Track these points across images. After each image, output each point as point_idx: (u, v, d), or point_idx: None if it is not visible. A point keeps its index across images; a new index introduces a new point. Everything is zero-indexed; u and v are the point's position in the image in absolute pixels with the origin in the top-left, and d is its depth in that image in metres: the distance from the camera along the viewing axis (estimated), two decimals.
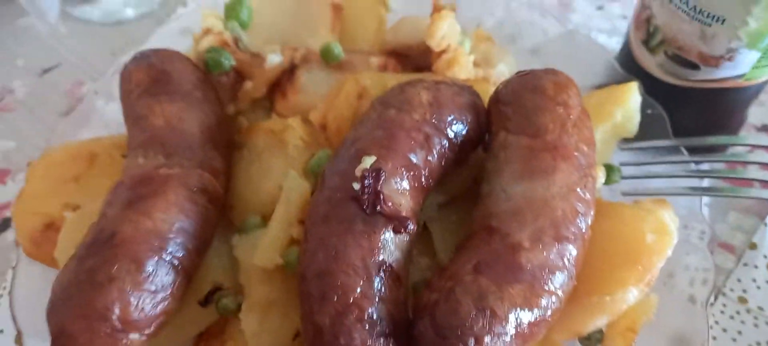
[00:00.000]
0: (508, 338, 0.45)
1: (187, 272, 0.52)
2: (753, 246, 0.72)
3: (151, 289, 0.49)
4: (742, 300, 0.68)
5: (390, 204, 0.48)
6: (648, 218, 0.55)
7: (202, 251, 0.54)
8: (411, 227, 0.48)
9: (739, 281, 0.70)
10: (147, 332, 0.50)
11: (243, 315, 0.53)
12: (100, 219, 0.53)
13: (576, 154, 0.53)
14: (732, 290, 0.69)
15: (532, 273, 0.47)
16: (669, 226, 0.55)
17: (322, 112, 0.61)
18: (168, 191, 0.53)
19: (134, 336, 0.49)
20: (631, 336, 0.54)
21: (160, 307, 0.50)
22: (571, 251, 0.49)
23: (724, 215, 0.76)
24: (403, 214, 0.49)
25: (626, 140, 0.66)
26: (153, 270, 0.49)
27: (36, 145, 0.85)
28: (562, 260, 0.49)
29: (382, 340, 0.46)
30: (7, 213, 0.78)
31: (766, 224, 0.73)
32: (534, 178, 0.51)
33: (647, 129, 0.67)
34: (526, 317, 0.46)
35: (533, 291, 0.47)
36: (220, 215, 0.58)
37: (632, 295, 0.52)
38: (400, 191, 0.50)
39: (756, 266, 0.70)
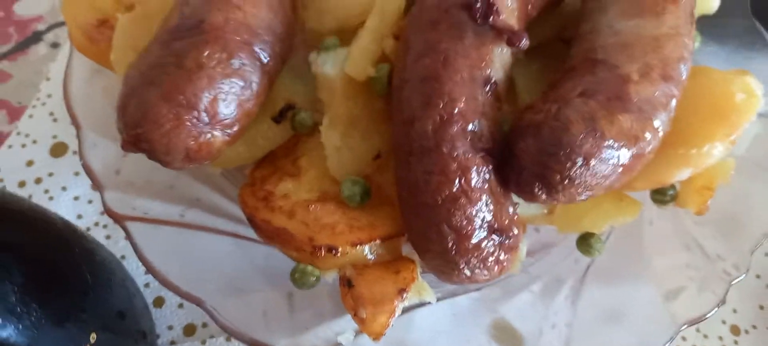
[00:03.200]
0: (612, 165, 0.44)
1: (271, 76, 0.48)
2: None
3: (240, 84, 0.45)
4: None
5: (503, 17, 0.45)
6: (737, 79, 0.53)
7: (284, 58, 0.50)
8: (525, 42, 0.45)
9: None
10: (229, 132, 0.46)
11: (325, 128, 0.49)
12: (181, 6, 0.48)
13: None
14: None
15: (639, 106, 0.45)
16: (756, 90, 0.53)
17: None
18: None
19: (217, 134, 0.45)
20: (708, 194, 0.52)
21: (245, 106, 0.46)
22: (674, 92, 0.47)
23: None
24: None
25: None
26: (242, 64, 0.45)
27: None
28: (666, 98, 0.46)
29: (482, 155, 0.44)
30: (38, 26, 0.71)
31: None
32: (644, 16, 0.48)
33: (726, 6, 0.64)
34: (631, 147, 0.44)
35: (640, 123, 0.45)
36: None
37: (718, 150, 0.51)
38: (510, 7, 0.46)
39: None
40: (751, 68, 0.60)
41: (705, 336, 0.58)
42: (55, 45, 0.72)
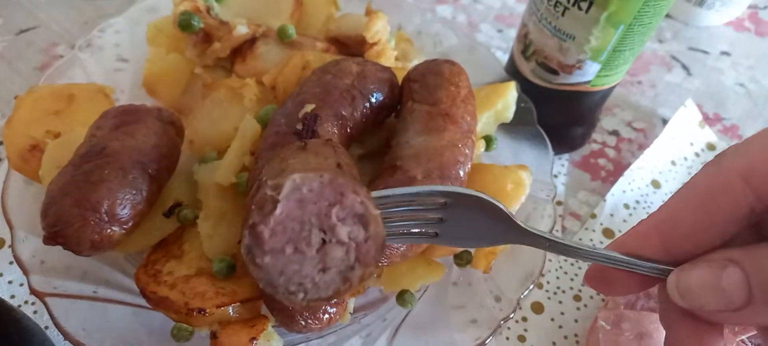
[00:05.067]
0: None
1: (159, 183, 0.64)
2: (593, 216, 0.91)
3: (132, 191, 0.60)
4: None
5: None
6: (511, 173, 0.72)
7: (170, 169, 0.66)
8: None
9: (580, 239, 0.89)
10: (125, 227, 0.61)
11: (200, 222, 0.65)
12: (90, 138, 0.64)
13: (461, 120, 0.69)
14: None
15: None
16: (524, 181, 0.72)
17: (274, 76, 0.75)
18: (147, 120, 0.65)
19: (115, 229, 0.60)
20: (492, 257, 0.69)
21: (137, 207, 0.61)
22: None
23: (575, 193, 0.95)
24: None
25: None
26: (134, 177, 0.61)
27: (13, 91, 0.93)
28: None
29: None
30: None
31: (604, 200, 0.93)
32: (430, 133, 0.67)
33: (520, 118, 0.85)
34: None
35: None
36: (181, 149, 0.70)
37: None
38: (330, 133, 0.64)
39: (594, 230, 0.90)
40: (529, 161, 0.80)
41: None
42: None
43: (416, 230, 0.48)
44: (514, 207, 0.71)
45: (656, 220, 0.45)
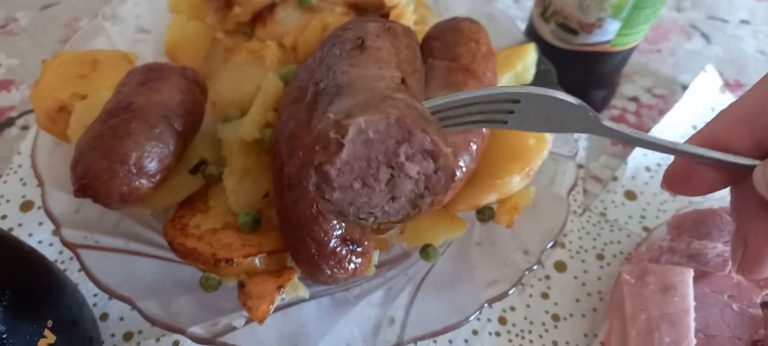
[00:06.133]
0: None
1: (184, 139, 0.65)
2: (615, 179, 0.91)
3: (160, 145, 0.61)
4: (603, 214, 0.86)
5: None
6: None
7: (195, 126, 0.67)
8: None
9: (602, 201, 0.88)
10: (153, 180, 0.62)
11: (225, 177, 0.65)
12: (116, 95, 0.65)
13: (482, 76, 0.69)
14: (596, 207, 0.87)
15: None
16: (546, 136, 0.72)
17: (294, 37, 0.75)
18: (172, 77, 0.66)
19: (143, 182, 0.61)
20: (514, 212, 0.69)
21: (164, 161, 0.62)
22: (473, 139, 0.65)
23: (596, 156, 0.95)
24: None
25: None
26: (160, 131, 0.61)
27: (38, 62, 0.95)
28: (467, 144, 0.64)
29: None
30: (11, 113, 0.88)
31: (626, 163, 0.92)
32: (450, 89, 0.66)
33: (540, 80, 0.84)
34: None
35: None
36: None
37: (517, 180, 0.68)
38: None
39: (616, 192, 0.89)
40: None
41: (531, 323, 0.74)
42: (24, 128, 0.88)
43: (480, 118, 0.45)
44: (535, 163, 0.70)
45: (743, 110, 0.43)
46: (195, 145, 0.69)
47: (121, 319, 0.69)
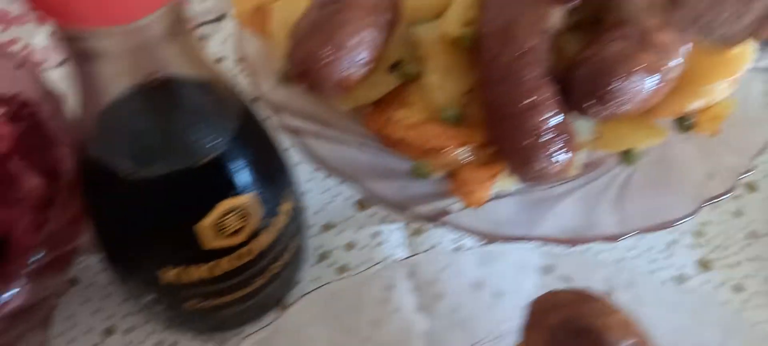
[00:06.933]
0: (640, 87, 0.59)
1: (386, 35, 0.66)
2: None
3: (374, 33, 0.62)
4: None
5: None
6: None
7: (394, 24, 0.68)
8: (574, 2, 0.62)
9: None
10: (364, 69, 0.63)
11: (429, 73, 0.66)
12: None
13: None
14: None
15: (658, 48, 0.61)
16: (750, 48, 0.69)
17: None
18: None
19: (356, 70, 0.62)
20: (717, 122, 0.67)
21: (376, 51, 0.63)
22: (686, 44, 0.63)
23: None
24: None
25: None
26: (371, 22, 0.63)
27: None
28: (678, 45, 0.63)
29: (545, 79, 0.60)
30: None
31: None
32: None
33: None
34: (653, 75, 0.60)
35: (659, 59, 0.60)
36: None
37: (723, 86, 0.66)
38: None
39: None
40: None
41: (728, 237, 0.71)
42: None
43: None
44: (741, 71, 0.68)
45: None
46: (391, 46, 0.69)
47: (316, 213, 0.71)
